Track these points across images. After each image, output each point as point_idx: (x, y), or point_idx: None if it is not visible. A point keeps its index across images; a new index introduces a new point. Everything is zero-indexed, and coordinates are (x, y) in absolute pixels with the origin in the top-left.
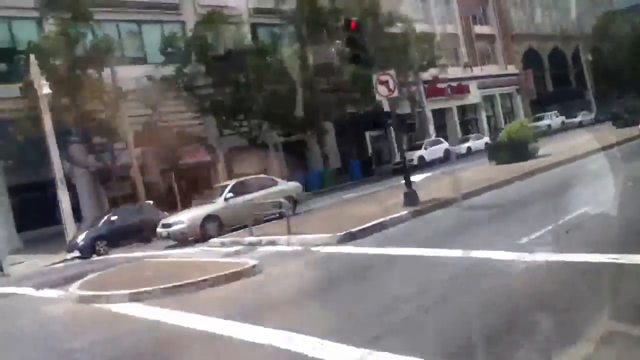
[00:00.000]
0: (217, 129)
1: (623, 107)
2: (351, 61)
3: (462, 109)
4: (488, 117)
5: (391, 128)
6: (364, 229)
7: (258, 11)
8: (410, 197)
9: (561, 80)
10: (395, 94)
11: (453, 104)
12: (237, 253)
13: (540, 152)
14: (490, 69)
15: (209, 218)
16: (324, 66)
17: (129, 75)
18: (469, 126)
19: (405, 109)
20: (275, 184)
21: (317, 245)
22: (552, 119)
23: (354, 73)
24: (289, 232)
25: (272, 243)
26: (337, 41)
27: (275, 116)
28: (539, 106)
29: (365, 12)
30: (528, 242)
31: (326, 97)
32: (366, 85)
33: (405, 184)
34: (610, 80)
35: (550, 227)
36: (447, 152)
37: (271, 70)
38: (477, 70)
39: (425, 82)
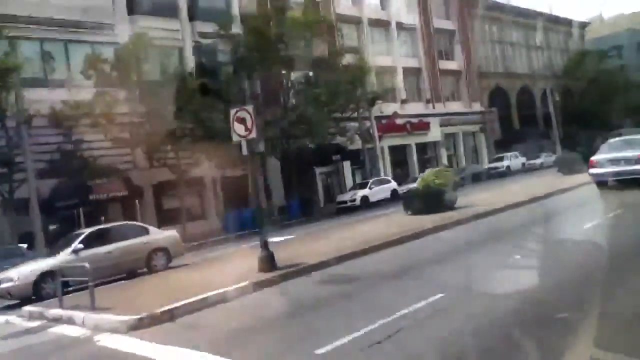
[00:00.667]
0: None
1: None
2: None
3: (423, 146)
4: (449, 156)
5: (343, 164)
6: (177, 307)
7: (203, 35)
8: (265, 262)
9: (528, 120)
10: (253, 134)
11: (413, 140)
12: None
13: (463, 202)
14: (454, 106)
15: (47, 274)
16: (270, 97)
17: (47, 97)
18: (427, 164)
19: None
20: (144, 233)
21: (106, 331)
22: (512, 160)
23: (305, 105)
24: (93, 308)
25: (69, 321)
26: (284, 72)
27: (210, 148)
28: (503, 146)
29: (314, 40)
30: (323, 356)
31: (271, 130)
32: (317, 119)
33: (261, 245)
34: (577, 122)
35: (372, 327)
36: (394, 193)
37: (209, 97)
38: (439, 107)
39: (382, 117)
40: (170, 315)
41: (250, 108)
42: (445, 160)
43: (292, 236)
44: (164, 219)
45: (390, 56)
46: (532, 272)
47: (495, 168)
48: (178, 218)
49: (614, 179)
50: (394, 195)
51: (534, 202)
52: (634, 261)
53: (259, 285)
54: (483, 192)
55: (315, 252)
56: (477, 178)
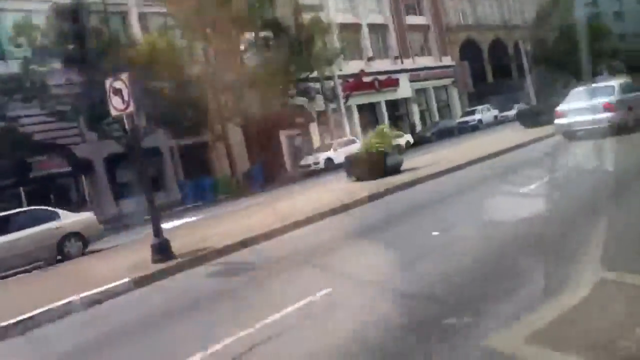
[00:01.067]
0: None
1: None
2: None
3: (393, 103)
4: (421, 111)
5: (310, 126)
6: (33, 317)
7: None
8: (158, 251)
9: (502, 72)
10: (131, 108)
11: (382, 98)
12: None
13: (413, 163)
14: (424, 61)
15: None
16: (229, 61)
17: None
18: (399, 121)
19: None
20: (54, 217)
21: None
22: (484, 113)
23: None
24: None
25: None
26: (248, 33)
27: (162, 117)
28: (477, 99)
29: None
30: None
31: (230, 95)
32: (280, 82)
33: (154, 232)
34: (552, 71)
35: (234, 338)
36: None
37: (158, 64)
38: (408, 63)
39: (349, 75)
40: (23, 328)
41: (125, 76)
42: (417, 116)
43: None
44: (119, 193)
45: (354, 13)
46: (444, 256)
47: (467, 122)
48: (134, 191)
49: (580, 128)
50: None
51: (482, 161)
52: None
53: (139, 282)
54: (440, 150)
55: (229, 233)
56: (449, 133)
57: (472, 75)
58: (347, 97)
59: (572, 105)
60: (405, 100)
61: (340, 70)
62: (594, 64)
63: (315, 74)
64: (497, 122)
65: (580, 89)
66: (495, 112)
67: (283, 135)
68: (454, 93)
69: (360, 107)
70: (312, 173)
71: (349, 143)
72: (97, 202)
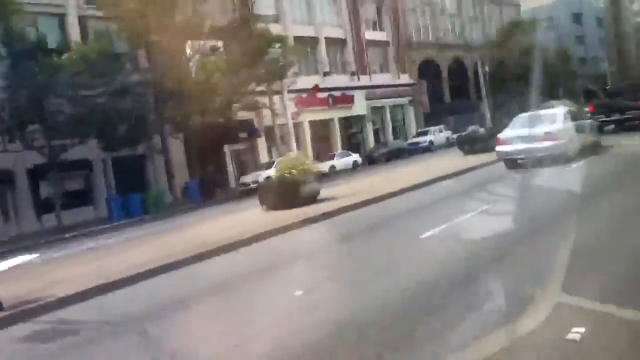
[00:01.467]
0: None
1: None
2: None
3: (347, 121)
4: (376, 130)
5: (257, 141)
6: None
7: (91, 1)
8: None
9: (461, 92)
10: None
11: (336, 114)
12: None
13: (334, 192)
14: (382, 78)
15: None
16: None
17: None
18: (352, 139)
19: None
20: None
21: None
22: (436, 134)
23: (210, 77)
24: None
25: None
26: (190, 41)
27: (92, 127)
28: (434, 119)
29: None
30: None
31: (172, 106)
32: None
33: None
34: (509, 93)
35: None
36: None
37: (89, 72)
38: (365, 79)
39: (302, 90)
40: None
41: None
42: (371, 135)
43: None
44: (42, 208)
45: (312, 26)
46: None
47: (418, 143)
48: (61, 205)
49: (521, 157)
50: None
51: (407, 191)
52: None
53: None
54: (373, 176)
55: (87, 275)
56: (399, 154)
57: (430, 95)
58: (298, 113)
59: (514, 133)
60: (360, 117)
61: (291, 85)
62: (552, 87)
63: (264, 87)
64: (450, 144)
65: (525, 115)
66: (448, 133)
67: (228, 150)
68: (411, 112)
69: (313, 124)
70: (251, 192)
71: None
72: (17, 217)
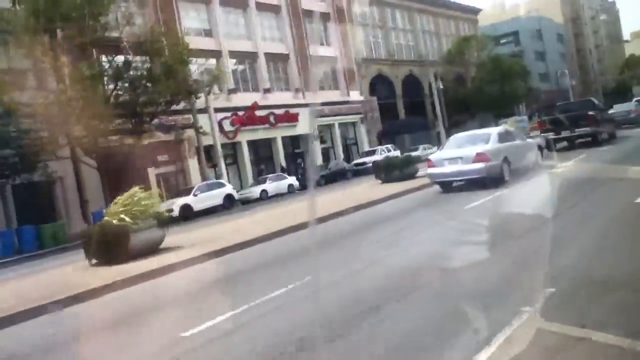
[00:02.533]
0: None
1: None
2: None
3: (293, 140)
4: (325, 149)
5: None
6: None
7: None
8: None
9: (416, 109)
10: None
11: (279, 133)
12: None
13: (193, 237)
14: (330, 95)
15: None
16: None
17: None
18: (298, 159)
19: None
20: None
21: None
22: (383, 154)
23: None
24: None
25: None
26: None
27: None
28: (388, 136)
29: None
30: None
31: (77, 127)
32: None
33: None
34: (466, 109)
35: None
36: (229, 198)
37: None
38: (311, 96)
39: (240, 108)
40: None
41: None
42: (319, 155)
43: None
44: None
45: (250, 40)
46: None
47: (364, 163)
48: None
49: (451, 180)
50: (229, 201)
51: (283, 234)
52: None
53: None
54: (268, 210)
55: None
56: (342, 175)
57: (384, 112)
58: (234, 132)
59: (445, 154)
60: (307, 136)
61: (214, 101)
62: (508, 103)
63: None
64: None
65: (459, 135)
66: (397, 152)
67: (153, 173)
68: (362, 130)
69: (253, 144)
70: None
71: (214, 187)
72: None
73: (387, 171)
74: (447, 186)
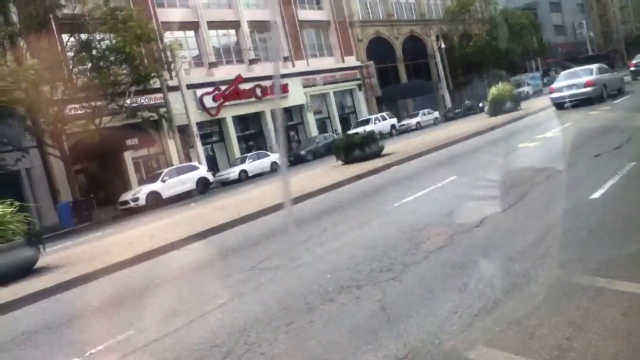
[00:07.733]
0: None
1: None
2: None
3: (285, 112)
4: (321, 120)
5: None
6: None
7: None
8: None
9: (420, 72)
10: None
11: (268, 107)
12: None
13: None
14: (323, 63)
15: None
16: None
17: None
18: (291, 131)
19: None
20: None
21: None
22: (377, 123)
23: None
24: None
25: None
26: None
27: None
28: (388, 102)
29: None
30: None
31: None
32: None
33: None
34: (473, 69)
35: None
36: (202, 182)
37: None
38: (302, 65)
39: (222, 82)
40: None
41: None
42: (314, 127)
43: None
44: None
45: (231, 8)
46: None
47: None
48: None
49: (567, 100)
50: (203, 185)
51: (218, 231)
52: None
53: None
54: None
55: None
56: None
57: (384, 77)
58: (217, 108)
59: (562, 84)
60: (300, 107)
61: (183, 76)
62: (519, 60)
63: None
64: (397, 132)
65: (567, 71)
66: (392, 121)
67: (129, 158)
68: (361, 98)
69: (240, 119)
70: (133, 211)
71: (184, 171)
72: None
73: (347, 151)
74: (561, 107)
